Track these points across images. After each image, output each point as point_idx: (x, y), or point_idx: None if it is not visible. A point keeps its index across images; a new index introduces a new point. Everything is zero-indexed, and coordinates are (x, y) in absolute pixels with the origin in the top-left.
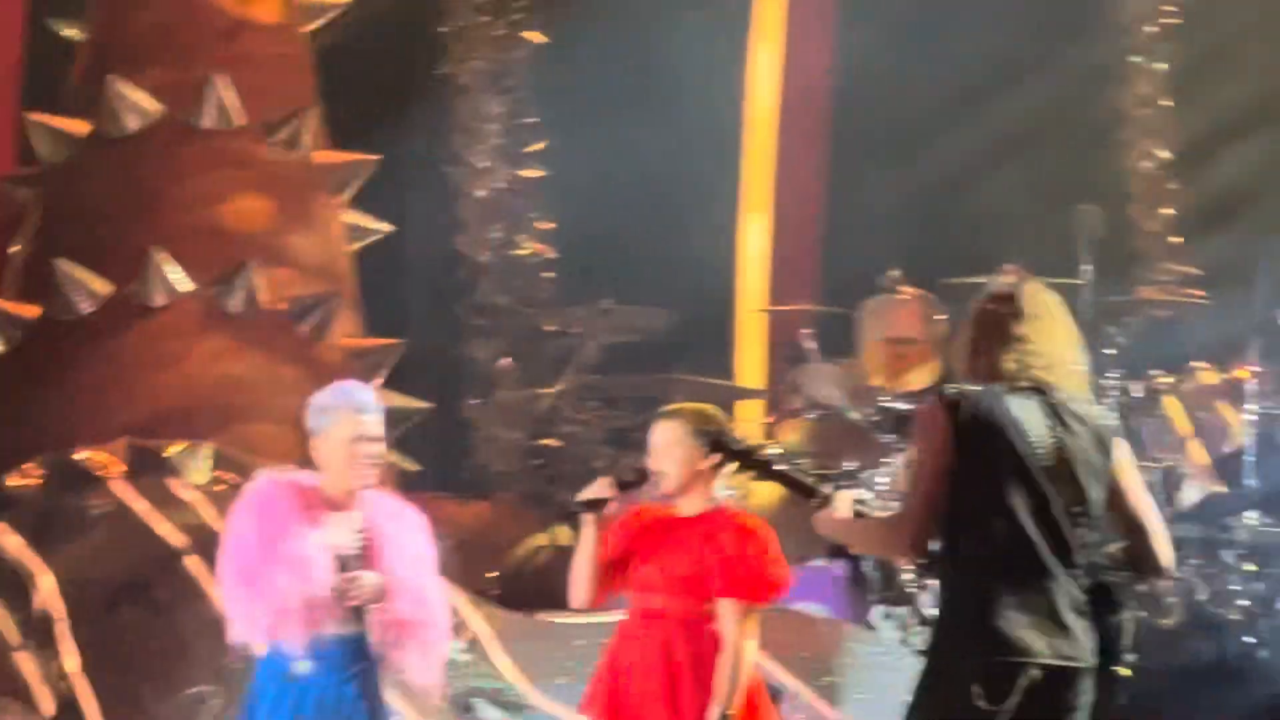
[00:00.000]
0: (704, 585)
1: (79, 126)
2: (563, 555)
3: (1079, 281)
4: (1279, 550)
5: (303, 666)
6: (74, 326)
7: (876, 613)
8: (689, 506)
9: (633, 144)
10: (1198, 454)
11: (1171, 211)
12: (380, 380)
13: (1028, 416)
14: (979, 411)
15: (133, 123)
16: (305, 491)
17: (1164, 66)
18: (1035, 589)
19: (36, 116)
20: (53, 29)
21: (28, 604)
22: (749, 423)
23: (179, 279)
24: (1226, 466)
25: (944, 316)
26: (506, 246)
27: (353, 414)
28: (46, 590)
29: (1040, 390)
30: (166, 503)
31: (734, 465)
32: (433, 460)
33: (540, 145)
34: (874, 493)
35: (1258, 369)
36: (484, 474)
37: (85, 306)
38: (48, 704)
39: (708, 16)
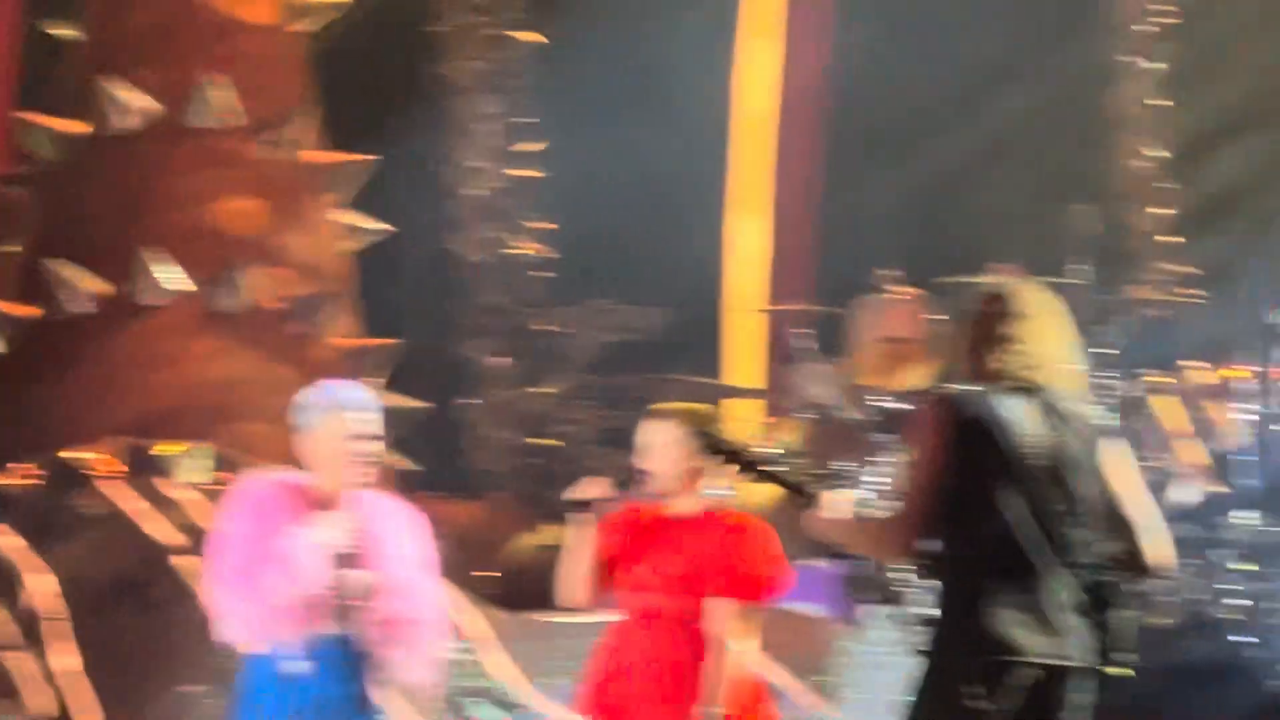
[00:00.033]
0: (697, 585)
1: (74, 126)
2: (557, 555)
3: (1074, 281)
4: (1275, 550)
5: (293, 666)
6: (69, 326)
7: (870, 612)
8: (681, 506)
9: (628, 144)
10: (1192, 454)
11: (1166, 211)
12: (383, 380)
13: (1020, 416)
14: (973, 411)
15: (127, 122)
16: (295, 490)
17: (1159, 66)
18: (1030, 588)
19: (31, 116)
20: (47, 29)
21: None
22: (745, 422)
23: (173, 279)
24: (1220, 466)
25: (939, 316)
26: (501, 246)
27: (339, 412)
28: (41, 590)
29: (1030, 390)
30: (162, 502)
31: (725, 466)
32: (428, 460)
33: (535, 145)
34: (868, 492)
35: (1252, 368)
36: (479, 473)
37: (80, 307)
38: (41, 704)
39: (703, 17)
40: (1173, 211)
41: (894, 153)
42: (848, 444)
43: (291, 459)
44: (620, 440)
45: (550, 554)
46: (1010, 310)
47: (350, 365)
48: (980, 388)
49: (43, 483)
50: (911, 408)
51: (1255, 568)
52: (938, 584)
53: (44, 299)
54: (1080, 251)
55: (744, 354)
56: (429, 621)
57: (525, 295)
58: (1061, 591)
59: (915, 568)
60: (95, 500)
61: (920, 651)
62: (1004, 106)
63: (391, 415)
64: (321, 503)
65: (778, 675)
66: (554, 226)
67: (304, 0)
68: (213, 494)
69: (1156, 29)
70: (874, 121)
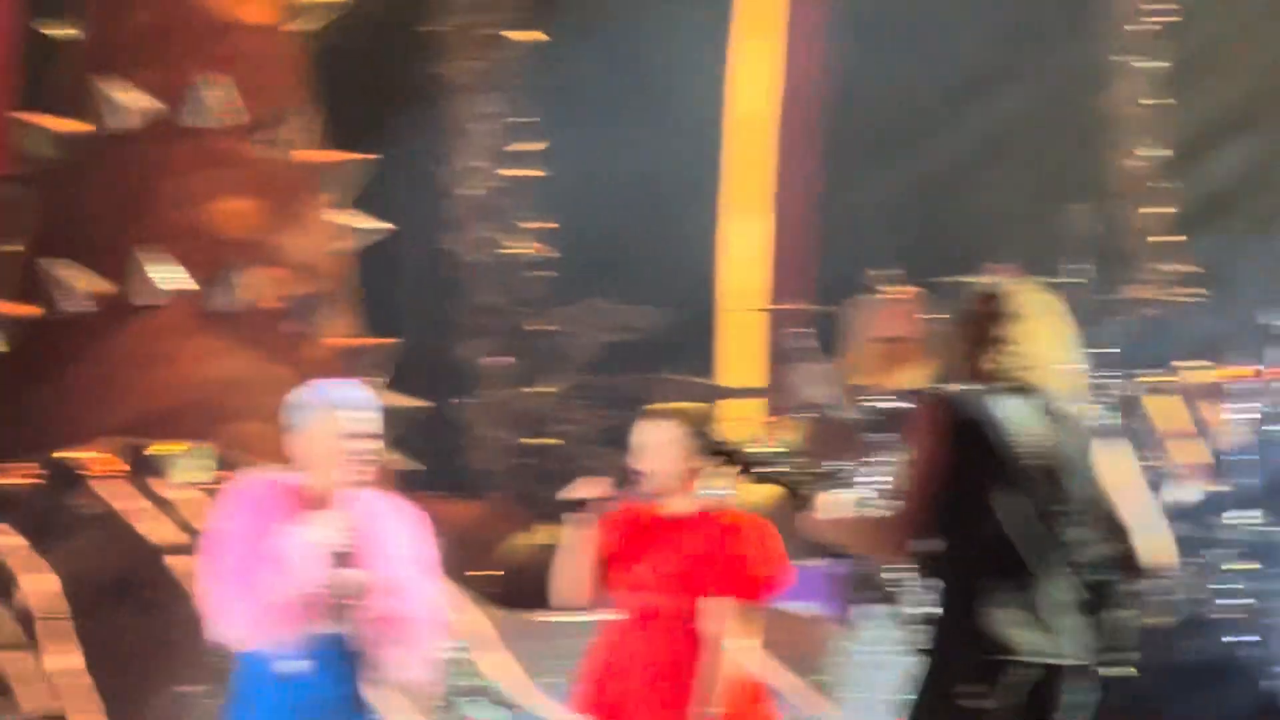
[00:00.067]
0: (694, 584)
1: (73, 126)
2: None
3: (1071, 281)
4: (1273, 549)
5: (289, 665)
6: (65, 326)
7: (867, 611)
8: (678, 505)
9: (625, 144)
10: (1188, 453)
11: (1163, 210)
12: (381, 379)
13: (1016, 416)
14: (969, 411)
15: (125, 122)
16: (289, 490)
17: (1155, 66)
18: (1028, 588)
19: (30, 116)
20: (46, 29)
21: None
22: (742, 421)
23: (171, 278)
24: (1217, 465)
25: (936, 316)
26: (499, 246)
27: (332, 411)
28: (41, 589)
29: (1029, 390)
30: (160, 502)
31: (722, 466)
32: (426, 459)
33: (533, 145)
34: (864, 492)
35: (1248, 367)
36: (477, 473)
37: (78, 306)
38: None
39: (701, 17)
40: (1170, 211)
41: (892, 152)
42: (845, 443)
43: (289, 458)
44: (618, 440)
45: (548, 553)
46: (1007, 311)
47: (348, 365)
48: (977, 388)
49: (41, 482)
50: (908, 407)
51: (1253, 567)
52: (935, 583)
53: (42, 299)
54: (1078, 251)
55: (742, 354)
56: (425, 620)
57: (523, 295)
58: (1059, 591)
59: (913, 567)
60: (93, 500)
61: (919, 651)
62: (1001, 106)
63: (390, 415)
64: (316, 502)
65: (777, 675)
66: (552, 226)
67: (302, 0)
68: (210, 493)
69: (1153, 28)
70: (872, 121)
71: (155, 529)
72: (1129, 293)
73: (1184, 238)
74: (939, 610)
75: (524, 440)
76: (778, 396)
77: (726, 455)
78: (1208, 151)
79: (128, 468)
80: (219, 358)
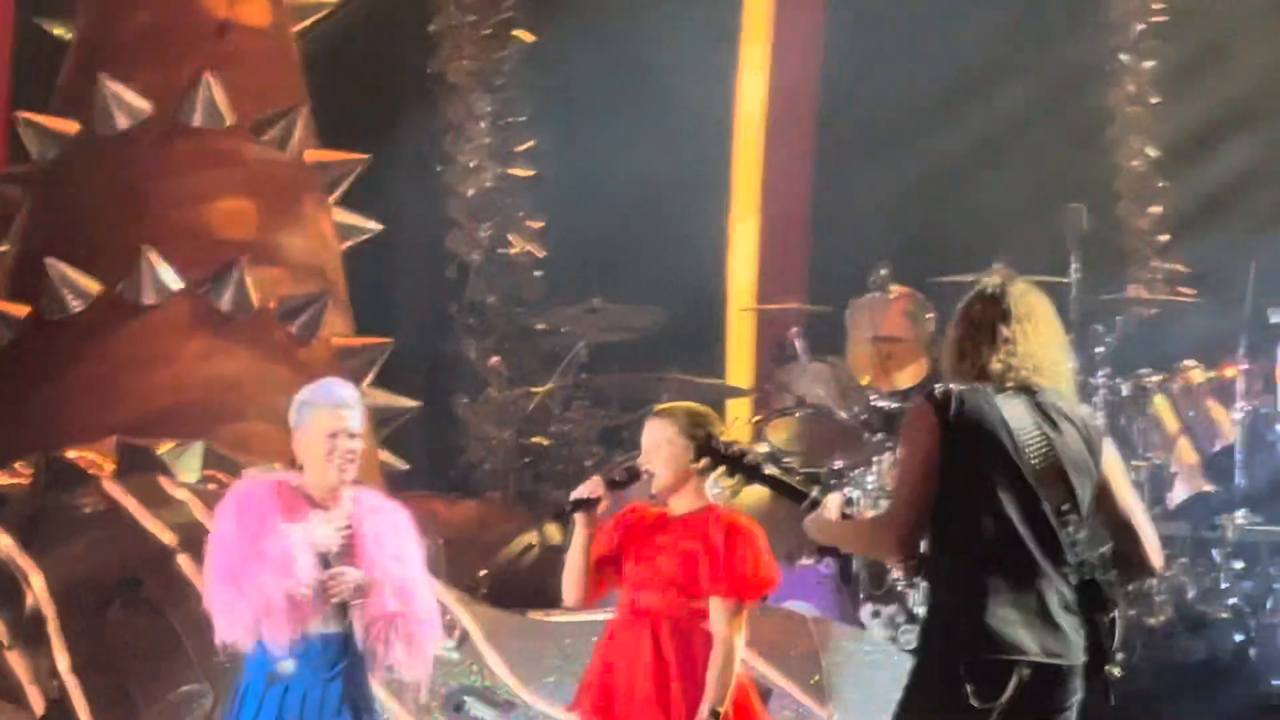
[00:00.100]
0: (694, 584)
1: (69, 126)
2: (552, 553)
3: (1067, 280)
4: (1268, 549)
5: (287, 666)
6: (64, 325)
7: (865, 611)
8: (680, 505)
9: (622, 143)
10: (1186, 453)
11: (1160, 210)
12: (369, 378)
13: (1016, 416)
14: (967, 411)
15: (123, 122)
16: (288, 490)
17: (1152, 64)
18: (1025, 587)
19: (26, 115)
20: (42, 28)
21: (19, 603)
22: (738, 421)
23: (169, 278)
24: (1215, 465)
25: (932, 315)
26: (496, 245)
27: (332, 409)
28: (37, 589)
29: (1027, 390)
30: (157, 501)
31: (722, 469)
32: (423, 459)
33: (530, 144)
34: (862, 492)
35: (1246, 367)
36: (474, 472)
37: (75, 305)
38: (38, 704)
39: (697, 16)
40: (1169, 210)
41: (887, 152)
42: (842, 443)
43: (287, 458)
44: (618, 440)
45: (547, 553)
46: (1006, 311)
47: (346, 364)
48: (978, 388)
49: (39, 482)
50: (905, 407)
51: (1251, 566)
52: (934, 583)
53: (41, 298)
54: (1076, 250)
55: (739, 353)
56: (421, 619)
57: (522, 294)
58: (1057, 591)
59: (911, 567)
60: (91, 499)
61: (917, 650)
62: (998, 105)
63: (388, 414)
64: (314, 502)
65: (773, 674)
66: (552, 226)
67: (301, 0)
68: (209, 493)
69: (1152, 27)
70: (866, 120)
71: (155, 529)
72: (1127, 292)
73: (1183, 238)
74: (938, 610)
75: (523, 440)
76: (776, 396)
77: (725, 459)
78: (1208, 151)
79: (123, 467)
80: (217, 357)
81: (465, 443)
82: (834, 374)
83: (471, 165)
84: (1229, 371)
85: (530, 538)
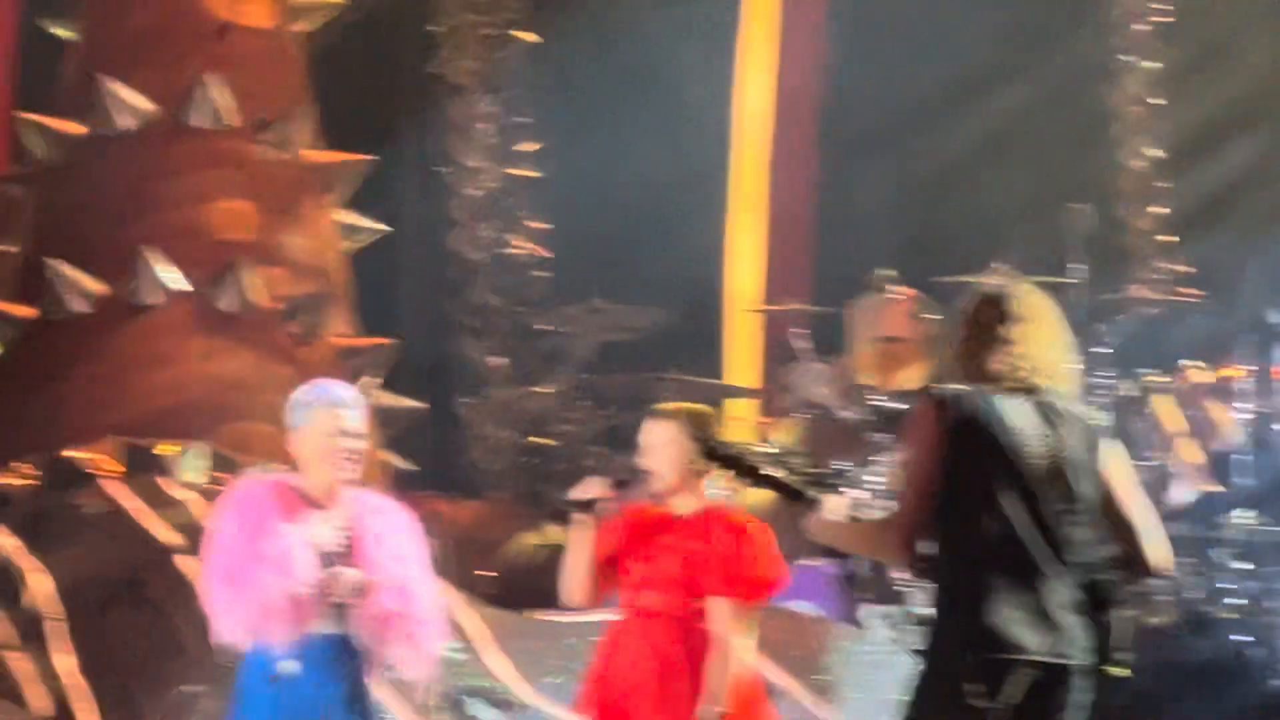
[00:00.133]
0: (696, 584)
1: (71, 126)
2: (555, 554)
3: (1070, 280)
4: (1271, 549)
5: (289, 666)
6: (67, 326)
7: (868, 611)
8: (682, 505)
9: (625, 143)
10: (1189, 453)
11: (1163, 210)
12: (380, 379)
13: (1018, 416)
14: (969, 411)
15: (125, 122)
16: (287, 490)
17: (1155, 65)
18: (1028, 587)
19: (29, 116)
20: (45, 28)
21: (21, 603)
22: (741, 422)
23: (171, 278)
24: (1218, 465)
25: (935, 316)
26: (499, 246)
27: (331, 409)
28: (40, 590)
29: (1029, 391)
30: (160, 502)
31: (724, 471)
32: (426, 459)
33: (532, 145)
34: (865, 492)
35: (1249, 367)
36: (477, 473)
37: (78, 306)
38: (41, 703)
39: (699, 17)
40: (1170, 210)
41: (889, 152)
42: (845, 444)
43: (288, 458)
44: (619, 440)
45: (550, 553)
46: (1008, 312)
47: (348, 364)
48: (980, 388)
49: (41, 482)
50: (908, 408)
51: (1253, 567)
52: (936, 583)
53: (42, 299)
54: (1078, 250)
55: (742, 354)
56: (423, 619)
57: (524, 294)
58: (1059, 590)
59: (914, 567)
60: (93, 500)
61: (919, 650)
62: (1000, 105)
63: (390, 414)
64: (314, 502)
65: (775, 674)
66: (552, 226)
67: (302, 1)
68: (210, 493)
69: (1154, 27)
70: (869, 120)
71: (156, 529)
72: (1129, 293)
73: (1185, 238)
74: (939, 610)
75: (525, 440)
76: (778, 397)
77: (726, 461)
78: (1210, 151)
79: (125, 468)
80: (219, 358)
81: (467, 443)
82: (837, 374)
83: (473, 166)
84: (1231, 371)
85: (533, 538)
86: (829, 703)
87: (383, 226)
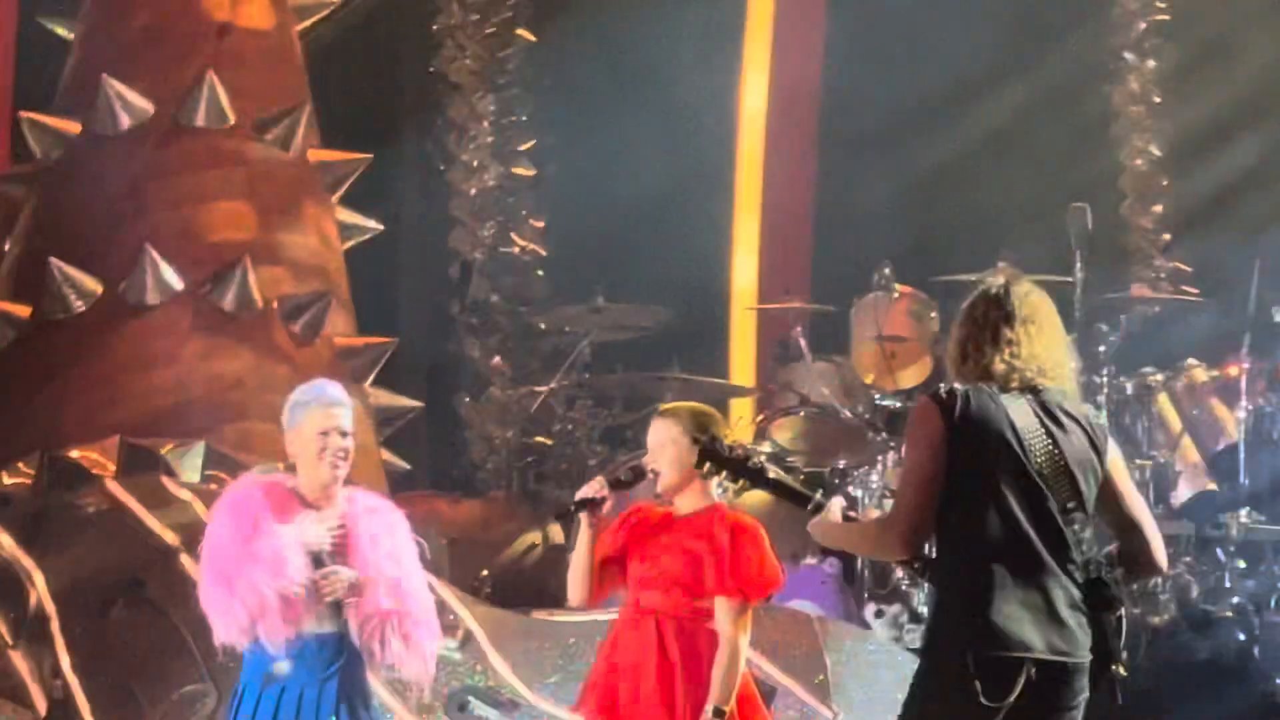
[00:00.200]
0: (699, 583)
1: (72, 125)
2: (555, 553)
3: (1071, 279)
4: (1271, 547)
5: (283, 666)
6: (66, 325)
7: (869, 610)
8: (685, 505)
9: (625, 142)
10: (1190, 451)
11: (1163, 208)
12: (370, 378)
13: (1020, 415)
14: (972, 410)
15: (125, 121)
16: (280, 491)
17: (1155, 63)
18: (1031, 585)
19: (29, 115)
20: (45, 27)
21: (21, 603)
22: (741, 420)
23: (171, 277)
24: (1218, 464)
25: (935, 315)
26: (499, 244)
27: (323, 408)
28: (40, 589)
29: (1031, 390)
30: (159, 501)
31: (725, 472)
32: (426, 458)
33: (532, 143)
34: (866, 491)
35: (1249, 366)
36: (477, 472)
37: (78, 305)
38: (41, 703)
39: (699, 15)
40: (1172, 209)
41: (889, 150)
42: (846, 443)
43: (287, 458)
44: (621, 439)
45: (550, 553)
46: (1009, 312)
47: (349, 364)
48: (982, 388)
49: (41, 481)
50: (909, 406)
51: (1256, 565)
52: (938, 582)
53: (43, 298)
54: (1079, 249)
55: (742, 352)
56: (418, 619)
57: (525, 293)
58: (1063, 589)
59: (915, 567)
60: (94, 499)
61: (920, 649)
62: (1000, 104)
63: (391, 414)
64: (308, 502)
65: (774, 674)
66: (552, 225)
67: (303, 0)
68: (211, 493)
69: (1155, 25)
70: (869, 119)
71: (157, 529)
72: (1131, 291)
73: (1186, 237)
74: (944, 608)
75: (526, 439)
76: (780, 396)
77: (728, 462)
78: (1211, 150)
79: (123, 467)
80: (221, 357)
81: (468, 442)
82: (838, 373)
83: (474, 164)
84: (1232, 370)
85: (533, 537)
86: (831, 702)
87: (383, 226)
